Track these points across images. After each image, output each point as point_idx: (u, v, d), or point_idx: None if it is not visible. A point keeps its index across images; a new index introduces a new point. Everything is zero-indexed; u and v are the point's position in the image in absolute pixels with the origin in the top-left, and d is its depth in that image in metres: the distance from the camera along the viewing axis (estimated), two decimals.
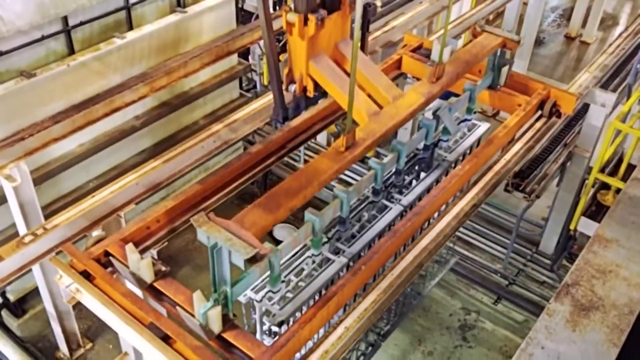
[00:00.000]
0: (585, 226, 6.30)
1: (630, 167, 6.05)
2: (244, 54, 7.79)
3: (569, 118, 6.46)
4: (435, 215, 4.51)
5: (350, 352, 4.99)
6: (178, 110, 7.30)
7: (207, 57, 6.12)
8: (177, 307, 3.32)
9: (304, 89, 4.20)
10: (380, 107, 4.20)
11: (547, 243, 7.18)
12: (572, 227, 6.52)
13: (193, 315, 3.25)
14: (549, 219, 7.03)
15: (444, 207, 4.47)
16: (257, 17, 7.36)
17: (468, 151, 4.92)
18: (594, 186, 6.48)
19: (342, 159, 3.83)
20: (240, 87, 8.60)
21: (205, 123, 7.39)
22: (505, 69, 5.03)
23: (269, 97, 5.42)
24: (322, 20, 3.82)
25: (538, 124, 5.11)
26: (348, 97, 3.58)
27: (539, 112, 5.07)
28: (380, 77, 4.32)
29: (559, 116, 5.12)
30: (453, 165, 4.79)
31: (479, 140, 5.02)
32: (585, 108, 6.21)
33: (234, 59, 7.69)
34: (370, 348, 5.41)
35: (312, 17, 3.77)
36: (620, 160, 6.45)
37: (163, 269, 3.54)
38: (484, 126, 5.06)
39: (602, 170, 6.14)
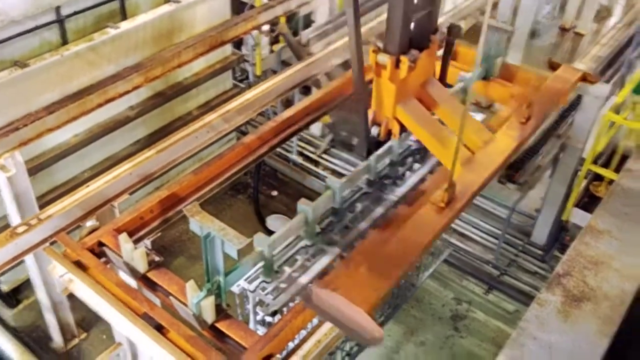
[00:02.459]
0: (578, 217, 6.33)
1: (624, 159, 6.07)
2: (237, 44, 7.78)
3: (562, 109, 6.47)
4: None
5: (344, 342, 5.01)
6: (172, 100, 7.30)
7: (201, 47, 6.10)
8: (171, 297, 3.34)
9: (389, 132, 3.93)
10: (471, 151, 3.95)
11: (539, 234, 7.21)
12: (564, 218, 6.55)
13: (186, 305, 3.27)
14: (542, 210, 7.06)
15: None
16: (251, 7, 7.35)
17: None
18: (586, 177, 6.51)
19: (444, 216, 3.57)
20: (234, 78, 8.59)
21: (198, 113, 7.39)
22: (499, 60, 5.04)
23: (261, 88, 5.41)
24: (415, 62, 3.53)
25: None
26: (453, 157, 3.34)
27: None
28: (470, 118, 4.03)
29: None
30: None
31: None
32: (578, 99, 6.23)
33: (227, 49, 7.68)
34: None
35: (404, 60, 3.48)
36: (613, 152, 6.48)
37: (157, 259, 3.56)
38: (478, 117, 5.07)
39: (595, 162, 6.16)
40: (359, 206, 4.25)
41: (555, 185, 6.76)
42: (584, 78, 4.84)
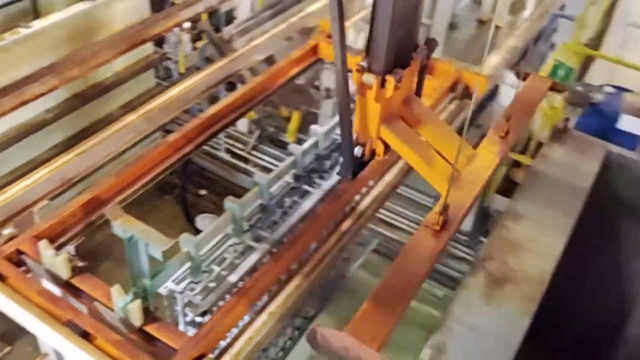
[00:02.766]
0: (499, 203, 6.57)
1: (540, 145, 6.34)
2: (159, 42, 7.63)
3: (481, 99, 6.68)
4: (357, 198, 4.58)
5: (277, 337, 5.02)
6: (92, 101, 7.08)
7: (120, 46, 5.93)
8: (96, 303, 3.25)
9: (372, 152, 3.85)
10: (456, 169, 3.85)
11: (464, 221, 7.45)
12: (486, 204, 6.80)
13: (113, 310, 3.20)
14: None
15: (364, 189, 4.56)
16: (172, 4, 7.22)
17: None
18: (505, 164, 6.76)
19: (441, 240, 3.50)
20: (157, 77, 8.42)
21: (120, 114, 7.20)
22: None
23: (184, 85, 5.35)
24: (400, 81, 3.44)
25: (451, 106, 5.28)
26: (448, 181, 3.33)
27: (452, 95, 5.24)
28: (451, 134, 3.99)
29: (470, 97, 5.30)
30: None
31: None
32: (496, 89, 6.46)
33: (148, 47, 7.51)
34: (297, 332, 5.46)
35: (390, 79, 3.37)
36: (529, 139, 6.76)
37: (80, 264, 3.46)
38: None
39: (512, 149, 6.41)
40: (287, 201, 4.27)
41: None
42: (552, 87, 4.95)
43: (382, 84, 3.39)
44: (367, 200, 4.43)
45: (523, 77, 5.02)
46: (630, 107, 5.76)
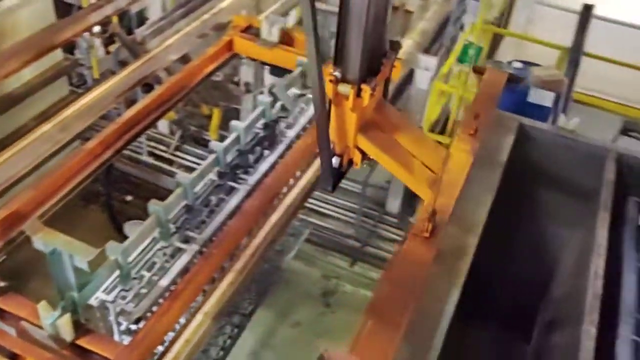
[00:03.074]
0: None
1: (457, 124, 6.54)
2: (70, 48, 7.39)
3: (397, 84, 6.82)
4: (284, 190, 4.61)
5: (216, 337, 5.01)
6: (3, 114, 6.80)
7: (27, 54, 5.72)
8: (23, 322, 3.16)
9: (350, 161, 3.78)
10: (432, 171, 3.86)
11: (392, 203, 7.60)
12: None
13: (42, 328, 3.11)
14: (392, 181, 7.44)
15: (291, 181, 4.59)
16: (80, 7, 7.00)
17: (308, 125, 5.06)
18: None
19: (432, 247, 3.43)
20: (71, 84, 8.16)
21: (34, 125, 6.94)
22: (332, 42, 5.21)
23: (99, 91, 5.21)
24: (375, 89, 3.37)
25: None
26: (430, 186, 3.32)
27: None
28: (424, 137, 4.01)
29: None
30: (295, 140, 4.91)
31: None
32: (411, 73, 6.60)
33: (58, 54, 7.27)
34: (236, 330, 5.46)
35: (366, 88, 3.30)
36: (447, 119, 6.96)
37: (2, 284, 3.34)
38: None
39: (432, 130, 6.58)
40: (213, 199, 4.25)
41: None
42: (509, 78, 5.01)
43: (358, 94, 3.34)
44: (295, 191, 4.47)
45: (480, 72, 4.98)
46: (539, 80, 6.01)
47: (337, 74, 3.28)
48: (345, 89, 3.29)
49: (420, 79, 6.41)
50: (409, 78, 6.66)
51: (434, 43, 7.08)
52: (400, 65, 5.42)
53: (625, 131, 5.11)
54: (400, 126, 3.83)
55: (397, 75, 5.33)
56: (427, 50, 6.80)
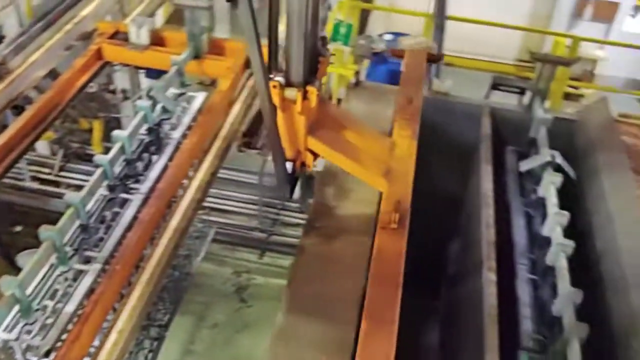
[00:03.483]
0: (319, 165, 6.84)
1: (339, 102, 6.68)
2: None
3: None
4: (179, 192, 4.54)
5: (136, 353, 4.89)
6: None
7: None
8: None
9: (302, 164, 3.75)
10: (382, 161, 3.86)
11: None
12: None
13: None
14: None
15: (185, 182, 4.52)
16: None
17: (192, 123, 4.99)
18: None
19: (402, 237, 3.41)
20: None
21: None
22: (204, 37, 5.16)
23: None
24: (320, 89, 3.33)
25: (250, 82, 5.37)
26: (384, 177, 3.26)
27: (249, 71, 5.33)
28: (368, 129, 3.97)
29: None
30: (182, 140, 4.83)
31: (200, 111, 5.13)
32: None
33: None
34: (155, 342, 5.36)
35: (312, 89, 3.27)
36: (330, 98, 7.09)
37: None
38: (200, 96, 5.17)
39: None
40: (108, 214, 4.12)
41: None
42: (429, 58, 5.03)
43: (304, 96, 3.33)
44: (190, 192, 4.41)
45: (400, 56, 5.02)
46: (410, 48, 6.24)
47: (280, 79, 3.27)
48: (292, 93, 3.28)
49: None
50: None
51: None
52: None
53: (496, 86, 5.41)
54: (343, 121, 3.88)
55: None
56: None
